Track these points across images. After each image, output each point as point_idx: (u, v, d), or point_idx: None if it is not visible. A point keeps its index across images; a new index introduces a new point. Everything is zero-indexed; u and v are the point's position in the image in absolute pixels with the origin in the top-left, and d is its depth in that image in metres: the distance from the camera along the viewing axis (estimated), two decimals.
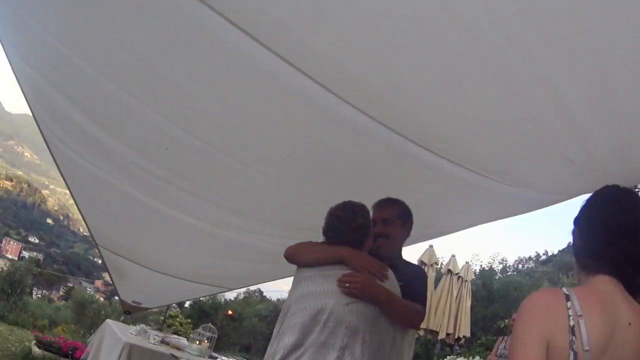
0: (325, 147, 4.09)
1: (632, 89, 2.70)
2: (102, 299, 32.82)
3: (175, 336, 7.50)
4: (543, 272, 41.22)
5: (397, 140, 3.64)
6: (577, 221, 2.27)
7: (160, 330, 7.65)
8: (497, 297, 23.48)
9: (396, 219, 4.19)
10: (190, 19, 3.03)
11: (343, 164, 4.29)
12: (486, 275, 26.77)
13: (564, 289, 2.03)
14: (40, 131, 5.34)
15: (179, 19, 3.12)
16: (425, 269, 9.02)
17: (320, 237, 5.14)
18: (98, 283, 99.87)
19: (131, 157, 4.89)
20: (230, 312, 24.28)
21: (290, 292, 3.82)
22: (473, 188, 4.18)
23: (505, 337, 9.93)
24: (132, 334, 6.83)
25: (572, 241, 2.28)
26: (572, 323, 1.93)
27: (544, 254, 79.40)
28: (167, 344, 6.69)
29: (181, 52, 3.42)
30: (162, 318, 14.98)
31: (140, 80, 3.91)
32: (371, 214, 3.96)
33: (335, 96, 3.27)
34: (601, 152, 3.52)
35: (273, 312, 34.71)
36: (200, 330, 6.86)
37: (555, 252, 74.57)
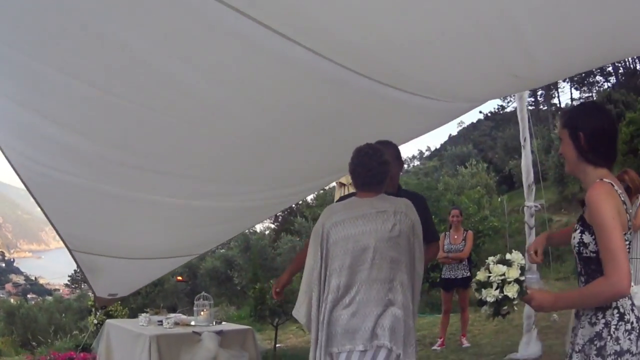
0: (291, 99, 4.29)
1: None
2: (17, 302, 31.64)
3: (176, 315, 7.68)
4: (432, 166, 41.85)
5: (358, 80, 3.97)
6: (582, 128, 2.96)
7: (157, 313, 7.81)
8: None
9: (394, 159, 4.67)
10: None
11: (312, 113, 4.56)
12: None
13: (605, 180, 2.85)
14: None
15: None
16: (345, 189, 9.36)
17: (290, 180, 5.54)
18: (8, 287, 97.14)
19: (100, 150, 4.82)
20: (179, 278, 23.97)
21: (321, 237, 4.15)
22: (418, 108, 4.79)
23: (446, 233, 10.47)
24: (143, 325, 6.85)
25: (571, 142, 2.99)
26: (622, 198, 2.82)
27: (426, 150, 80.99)
28: (178, 324, 6.86)
29: (145, 21, 3.28)
30: (90, 303, 14.80)
31: (105, 65, 3.72)
32: None
33: (294, 42, 3.40)
34: (541, 63, 4.06)
35: (186, 267, 34.41)
36: (200, 301, 7.11)
37: (438, 146, 76.35)
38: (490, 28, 3.47)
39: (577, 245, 2.95)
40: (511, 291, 2.93)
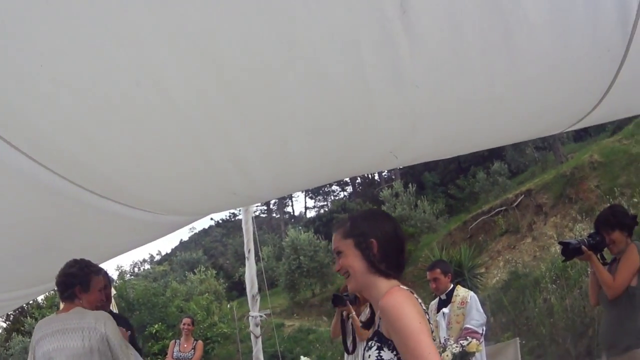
0: (13, 208, 4.00)
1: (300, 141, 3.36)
2: None
3: None
4: (162, 271, 41.81)
5: (72, 190, 3.80)
6: (372, 235, 2.64)
7: None
8: (138, 306, 23.57)
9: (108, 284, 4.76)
10: None
11: (27, 220, 4.27)
12: (120, 287, 26.73)
13: (403, 287, 2.55)
14: None
15: None
16: None
17: (8, 286, 5.17)
18: None
19: None
20: None
21: (32, 353, 4.13)
22: (138, 221, 4.73)
23: (177, 340, 10.48)
24: None
25: (359, 252, 2.64)
26: (423, 307, 2.52)
27: (157, 254, 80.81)
28: None
29: None
30: None
31: None
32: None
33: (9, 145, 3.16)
34: (260, 183, 4.16)
35: None
36: None
37: (169, 251, 76.43)
38: (211, 150, 3.48)
39: None
40: None
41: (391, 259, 2.65)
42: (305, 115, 3.14)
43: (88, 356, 3.95)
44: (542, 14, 2.80)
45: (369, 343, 2.61)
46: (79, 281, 4.26)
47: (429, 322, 2.50)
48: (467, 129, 3.78)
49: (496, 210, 23.23)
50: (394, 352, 2.48)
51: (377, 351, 2.53)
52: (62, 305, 5.04)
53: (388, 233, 2.68)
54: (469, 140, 4.15)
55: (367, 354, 2.59)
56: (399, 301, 2.45)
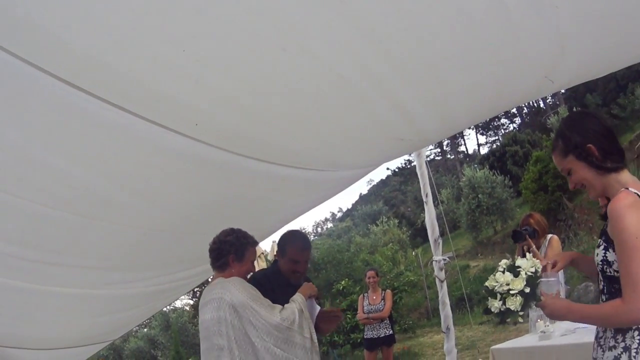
0: (178, 185, 4.23)
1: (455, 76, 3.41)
2: None
3: None
4: (345, 227, 42.13)
5: (240, 161, 3.97)
6: (587, 140, 2.67)
7: None
8: (323, 265, 23.91)
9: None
10: (38, 89, 2.74)
11: (202, 197, 4.53)
12: None
13: (631, 189, 2.56)
14: None
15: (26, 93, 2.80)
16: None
17: (195, 262, 5.54)
18: None
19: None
20: None
21: None
22: (309, 181, 4.88)
23: (365, 294, 10.62)
24: None
25: (584, 163, 2.70)
26: None
27: (338, 212, 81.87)
28: None
29: (28, 119, 3.06)
30: None
31: None
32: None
33: (170, 130, 3.33)
34: (422, 125, 4.18)
35: (111, 349, 33.53)
36: None
37: (349, 206, 77.26)
38: (370, 100, 3.55)
39: (600, 263, 2.66)
40: (514, 304, 2.78)
41: (612, 151, 2.68)
42: (455, 52, 3.17)
43: (216, 327, 4.04)
44: None
45: (599, 241, 2.69)
46: (235, 250, 4.36)
47: None
48: (613, 43, 3.66)
49: None
50: None
51: (603, 251, 2.63)
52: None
53: (597, 131, 2.69)
54: (619, 54, 4.01)
55: (596, 251, 2.70)
56: (624, 209, 2.48)
